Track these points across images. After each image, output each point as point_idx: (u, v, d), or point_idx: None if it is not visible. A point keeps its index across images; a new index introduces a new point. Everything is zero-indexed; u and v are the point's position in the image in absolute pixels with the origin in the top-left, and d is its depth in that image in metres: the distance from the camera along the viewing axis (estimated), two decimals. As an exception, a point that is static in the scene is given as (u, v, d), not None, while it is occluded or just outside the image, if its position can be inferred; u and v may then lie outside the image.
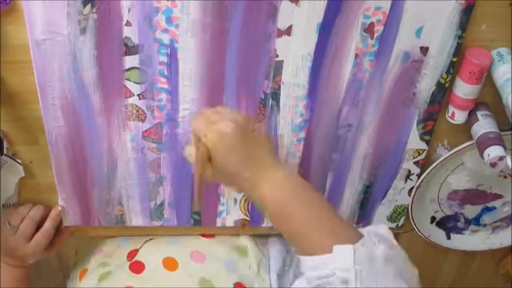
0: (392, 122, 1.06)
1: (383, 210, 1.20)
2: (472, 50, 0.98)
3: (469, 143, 1.07)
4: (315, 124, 1.05)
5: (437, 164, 1.11)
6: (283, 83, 1.00)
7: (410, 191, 1.17)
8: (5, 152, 1.04)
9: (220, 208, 1.17)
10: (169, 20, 0.91)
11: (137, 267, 1.14)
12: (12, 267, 1.12)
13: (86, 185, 1.11)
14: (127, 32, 0.92)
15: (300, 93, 1.01)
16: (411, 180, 1.15)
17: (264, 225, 1.20)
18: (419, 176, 1.14)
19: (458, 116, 1.03)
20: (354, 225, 1.22)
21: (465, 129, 1.06)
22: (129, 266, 1.14)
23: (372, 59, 0.98)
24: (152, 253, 1.17)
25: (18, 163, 1.08)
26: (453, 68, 0.99)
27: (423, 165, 1.13)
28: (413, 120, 1.06)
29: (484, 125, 1.02)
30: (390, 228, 1.21)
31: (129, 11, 0.90)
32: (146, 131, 1.04)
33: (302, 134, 1.06)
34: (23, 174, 1.09)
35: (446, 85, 1.02)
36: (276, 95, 1.01)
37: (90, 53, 0.94)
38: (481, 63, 0.96)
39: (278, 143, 1.07)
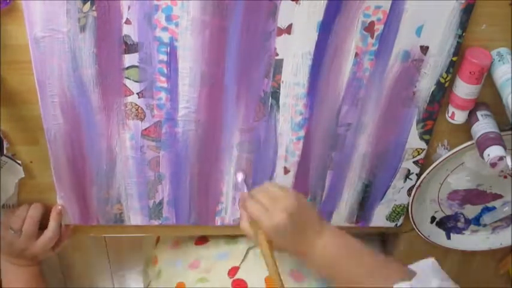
0: (392, 121, 1.06)
1: (382, 209, 1.20)
2: (472, 50, 0.98)
3: (469, 143, 1.07)
4: (314, 123, 1.05)
5: (437, 164, 1.10)
6: (283, 81, 0.99)
7: (409, 190, 1.17)
8: (4, 152, 1.04)
9: (219, 207, 1.17)
10: (169, 18, 0.91)
11: (240, 286, 1.14)
12: (27, 266, 1.14)
13: (85, 184, 1.10)
14: (126, 30, 0.92)
15: (300, 91, 1.01)
16: (410, 179, 1.15)
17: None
18: (418, 175, 1.14)
19: (458, 116, 1.03)
20: (353, 225, 1.22)
21: (465, 129, 1.06)
22: (232, 284, 1.14)
23: (372, 58, 0.98)
24: (254, 271, 1.17)
25: (18, 163, 1.08)
26: (453, 68, 0.99)
27: (423, 164, 1.13)
28: (413, 119, 1.06)
29: (484, 125, 1.02)
30: (389, 228, 1.22)
31: (128, 9, 0.90)
32: (145, 129, 1.03)
33: (302, 133, 1.06)
34: (23, 175, 1.09)
35: (446, 84, 1.02)
36: (275, 94, 1.01)
37: (89, 50, 0.94)
38: (481, 63, 0.96)
39: (277, 142, 1.07)
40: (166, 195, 1.14)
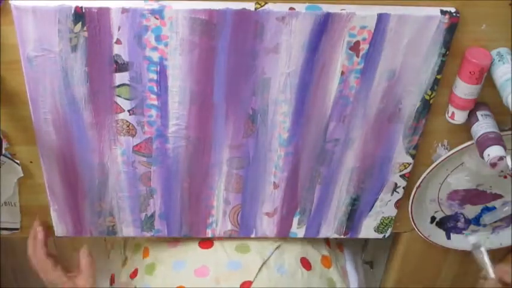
0: (379, 137, 1.07)
1: (370, 221, 1.22)
2: (472, 50, 0.98)
3: (469, 143, 1.07)
4: (302, 139, 1.07)
5: (437, 164, 1.11)
6: (271, 99, 1.01)
7: (397, 203, 1.19)
8: (3, 151, 1.05)
9: (210, 220, 1.18)
10: (158, 38, 0.93)
11: None
12: None
13: (77, 197, 1.12)
14: (117, 49, 0.94)
15: (288, 109, 1.02)
16: (397, 192, 1.17)
17: (252, 235, 1.23)
18: (405, 188, 1.16)
19: (458, 116, 1.03)
20: (342, 236, 1.24)
21: (465, 129, 1.06)
22: None
23: (358, 76, 0.99)
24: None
25: (17, 163, 1.09)
26: (437, 85, 1.01)
27: (409, 178, 1.15)
28: (399, 135, 1.07)
29: (484, 125, 1.03)
30: (377, 239, 1.23)
31: (119, 30, 0.92)
32: (136, 145, 1.05)
33: (290, 149, 1.08)
34: (22, 175, 1.11)
35: (431, 101, 1.03)
36: (263, 111, 1.02)
37: (81, 69, 0.95)
38: (481, 63, 0.96)
39: (267, 158, 1.09)
40: (158, 209, 1.15)
